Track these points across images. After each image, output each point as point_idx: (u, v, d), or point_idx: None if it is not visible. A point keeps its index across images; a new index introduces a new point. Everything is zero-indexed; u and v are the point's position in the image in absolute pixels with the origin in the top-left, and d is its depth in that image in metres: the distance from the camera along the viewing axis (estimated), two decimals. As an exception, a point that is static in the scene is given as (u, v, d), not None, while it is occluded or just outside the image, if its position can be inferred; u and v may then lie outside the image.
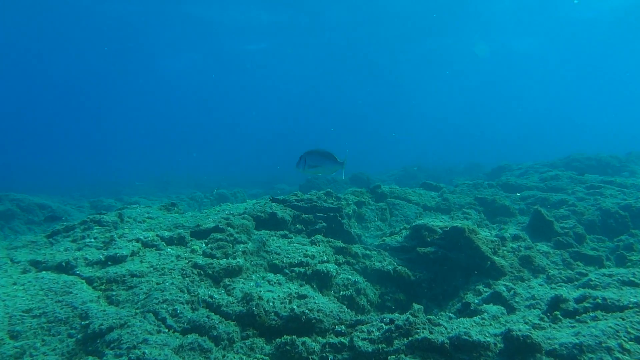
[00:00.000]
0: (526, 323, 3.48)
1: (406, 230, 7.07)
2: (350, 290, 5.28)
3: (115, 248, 4.34)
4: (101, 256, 4.16)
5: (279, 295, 3.95)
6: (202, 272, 4.26)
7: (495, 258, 4.89)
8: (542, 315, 3.59)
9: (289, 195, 8.25)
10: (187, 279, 4.10)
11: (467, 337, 3.03)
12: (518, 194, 10.45)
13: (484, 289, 4.60)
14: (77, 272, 3.91)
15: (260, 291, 4.22)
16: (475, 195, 11.46)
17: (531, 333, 2.97)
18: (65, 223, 5.31)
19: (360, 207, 10.25)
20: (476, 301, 4.38)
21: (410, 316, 3.22)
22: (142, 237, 4.71)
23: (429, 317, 3.44)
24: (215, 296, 3.82)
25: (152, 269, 4.17)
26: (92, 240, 4.58)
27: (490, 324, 3.49)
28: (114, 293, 3.66)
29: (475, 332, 3.20)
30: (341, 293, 5.25)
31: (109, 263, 4.12)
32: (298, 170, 5.77)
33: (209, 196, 22.32)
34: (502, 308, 3.91)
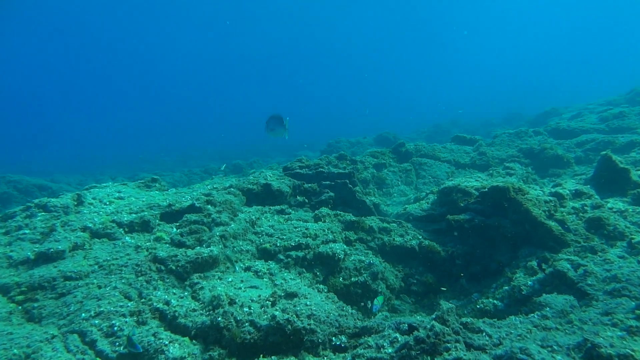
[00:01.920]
0: (615, 325, 2.45)
1: (433, 194, 6.00)
2: (365, 275, 4.36)
3: (51, 241, 3.56)
4: (30, 253, 3.39)
5: (259, 296, 3.07)
6: (163, 267, 3.44)
7: (552, 223, 3.80)
8: (637, 311, 2.55)
9: (291, 162, 7.28)
10: (141, 278, 3.28)
11: (524, 358, 2.06)
12: (573, 140, 9.02)
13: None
14: (-3, 277, 3.15)
15: (239, 290, 3.36)
16: (519, 145, 10.10)
17: (632, 351, 1.96)
18: (6, 210, 4.60)
19: (380, 170, 9.18)
20: (529, 283, 3.36)
21: (436, 323, 2.27)
22: (91, 225, 3.91)
23: (464, 320, 2.47)
24: (173, 301, 2.99)
25: (96, 267, 3.38)
26: (28, 231, 3.83)
27: (557, 327, 2.48)
28: (36, 305, 2.89)
29: (536, 347, 2.22)
30: (352, 279, 4.34)
31: (40, 262, 3.34)
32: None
33: (224, 169, 21.76)
34: (571, 298, 2.87)
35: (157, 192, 6.04)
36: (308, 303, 2.89)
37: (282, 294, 3.09)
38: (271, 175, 5.95)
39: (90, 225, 3.89)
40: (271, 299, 3.02)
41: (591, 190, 4.45)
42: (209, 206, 4.63)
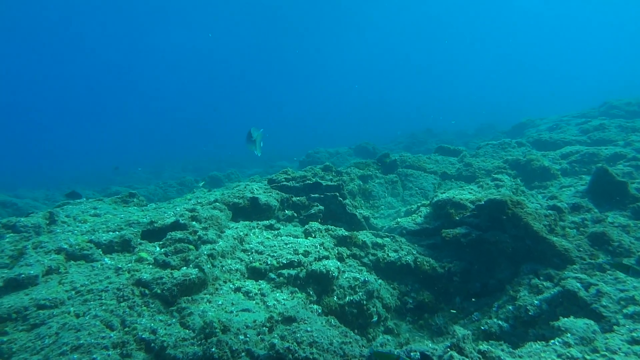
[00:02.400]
0: None
1: (425, 207, 5.96)
2: (360, 293, 4.23)
3: (22, 265, 3.27)
4: (-2, 280, 3.10)
5: (254, 321, 2.89)
6: (147, 291, 3.20)
7: (554, 238, 3.78)
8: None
9: (277, 174, 7.12)
10: (123, 304, 3.04)
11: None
12: (557, 152, 9.23)
13: (544, 283, 3.51)
14: (-40, 307, 2.85)
15: (231, 315, 3.16)
16: (503, 157, 10.28)
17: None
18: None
19: (366, 181, 9.13)
20: (536, 302, 3.30)
21: (454, 353, 2.15)
22: (66, 246, 3.64)
23: (481, 347, 2.37)
24: (160, 330, 2.77)
25: (73, 292, 3.12)
26: (-4, 255, 3.51)
27: (585, 358, 2.41)
28: (5, 339, 2.61)
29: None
30: (347, 299, 4.20)
31: (9, 289, 3.06)
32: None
33: (202, 185, 21.31)
34: (592, 322, 2.79)
35: (135, 207, 5.77)
36: (309, 329, 2.73)
37: (280, 319, 2.91)
38: (257, 188, 5.78)
39: (65, 246, 3.62)
40: (268, 324, 2.84)
41: (589, 203, 4.49)
42: (194, 222, 4.42)
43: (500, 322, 3.39)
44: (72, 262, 3.55)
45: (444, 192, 5.64)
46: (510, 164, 8.86)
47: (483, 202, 4.61)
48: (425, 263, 4.63)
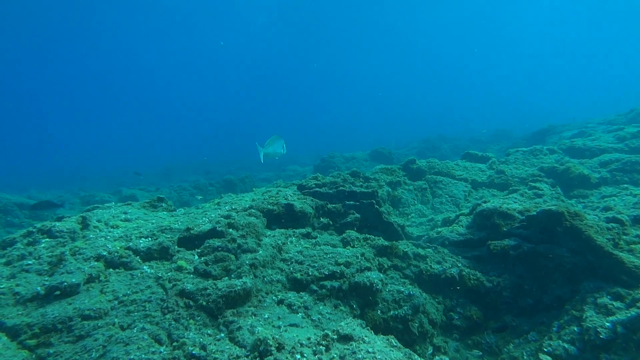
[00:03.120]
0: None
1: (465, 217, 5.77)
2: (405, 307, 4.07)
3: (63, 273, 3.20)
4: (39, 288, 3.03)
5: (309, 338, 2.75)
6: (192, 302, 3.10)
7: (622, 254, 3.57)
8: None
9: (307, 179, 7.01)
10: (169, 316, 2.94)
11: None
12: (595, 160, 8.94)
13: (614, 303, 3.30)
14: None
15: (280, 330, 3.03)
16: (535, 164, 10.02)
17: None
18: (8, 234, 4.21)
19: (395, 188, 8.96)
20: (607, 325, 3.10)
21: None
22: (105, 253, 3.56)
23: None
24: (211, 346, 2.65)
25: (116, 302, 3.02)
26: (34, 261, 3.45)
27: None
28: (51, 351, 2.52)
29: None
30: (391, 313, 4.04)
31: (51, 298, 2.98)
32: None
33: (215, 184, 21.36)
34: None
35: (165, 212, 5.71)
36: (370, 350, 2.59)
37: (335, 337, 2.77)
38: (291, 194, 5.66)
39: (104, 253, 3.54)
40: (324, 342, 2.70)
41: (651, 215, 4.27)
42: (231, 230, 4.31)
43: (565, 344, 3.19)
44: (112, 269, 3.47)
45: (487, 202, 5.44)
46: (545, 171, 8.60)
47: (535, 213, 4.41)
48: (471, 276, 4.44)
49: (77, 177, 36.20)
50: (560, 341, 3.24)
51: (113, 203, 5.84)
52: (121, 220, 5.01)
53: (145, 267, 3.62)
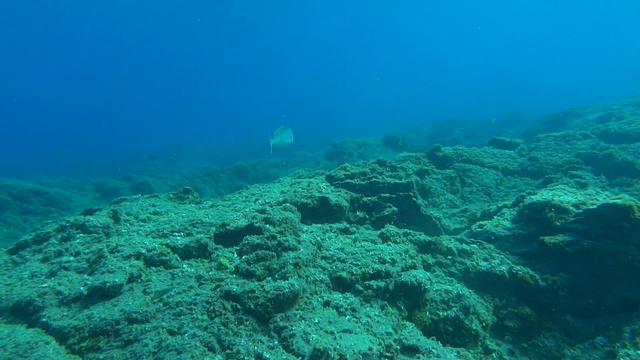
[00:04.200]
0: None
1: (509, 209, 5.55)
2: (454, 308, 3.92)
3: (104, 272, 3.09)
4: (82, 288, 2.92)
5: (370, 349, 2.60)
6: (239, 306, 2.97)
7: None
8: None
9: (335, 170, 6.83)
10: (217, 320, 2.81)
11: None
12: (637, 144, 8.60)
13: (693, 308, 3.10)
14: (44, 319, 2.69)
15: (333, 336, 2.90)
16: (568, 149, 9.68)
17: None
18: (37, 229, 4.13)
19: (423, 177, 8.73)
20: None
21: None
22: (144, 251, 3.44)
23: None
24: (266, 354, 2.53)
25: (161, 304, 2.91)
26: (72, 257, 3.36)
27: None
28: (101, 357, 2.42)
29: None
30: (441, 314, 3.89)
31: (95, 299, 2.87)
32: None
33: (226, 170, 21.31)
34: None
35: (192, 205, 5.59)
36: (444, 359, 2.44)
37: (399, 347, 2.63)
38: (325, 187, 5.50)
39: (143, 251, 3.42)
40: (387, 354, 2.56)
41: None
42: (268, 225, 4.17)
43: (642, 352, 3.01)
44: (152, 268, 3.35)
45: (534, 193, 5.22)
46: (583, 158, 8.30)
47: (595, 207, 4.19)
48: (523, 274, 4.26)
49: (82, 163, 36.54)
50: (634, 349, 3.06)
51: (140, 195, 5.74)
52: (151, 213, 4.90)
53: (185, 265, 3.50)
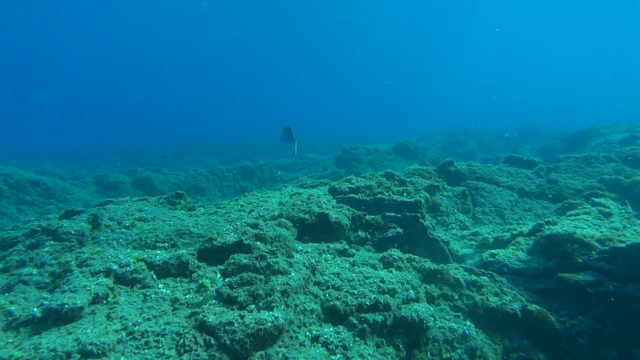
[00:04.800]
0: None
1: (524, 238, 5.15)
2: (459, 350, 3.55)
3: (66, 290, 2.78)
4: (36, 310, 2.62)
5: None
6: (213, 340, 2.64)
7: None
8: None
9: (339, 182, 6.49)
10: (185, 357, 2.49)
11: None
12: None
13: None
14: (-12, 346, 2.38)
15: (320, 382, 2.55)
16: (590, 172, 9.23)
17: None
18: (9, 230, 3.86)
19: (433, 193, 8.35)
20: None
21: None
22: (115, 267, 3.13)
23: None
24: (237, 406, 2.19)
25: (124, 334, 2.59)
26: (35, 270, 3.06)
27: None
28: (43, 402, 2.10)
29: None
30: (444, 356, 3.53)
31: (49, 323, 2.57)
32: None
33: (232, 170, 21.10)
34: None
35: (183, 212, 5.29)
36: None
37: (392, 404, 2.28)
38: (326, 201, 5.16)
39: (114, 267, 3.11)
40: (378, 411, 2.21)
41: None
42: (259, 243, 3.84)
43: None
44: (122, 287, 3.04)
45: (554, 223, 4.83)
46: (607, 184, 7.86)
47: (624, 246, 3.79)
48: (538, 314, 3.87)
49: (92, 152, 36.83)
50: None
51: (128, 198, 5.46)
52: (136, 219, 4.61)
53: (161, 285, 3.19)
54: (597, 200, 6.81)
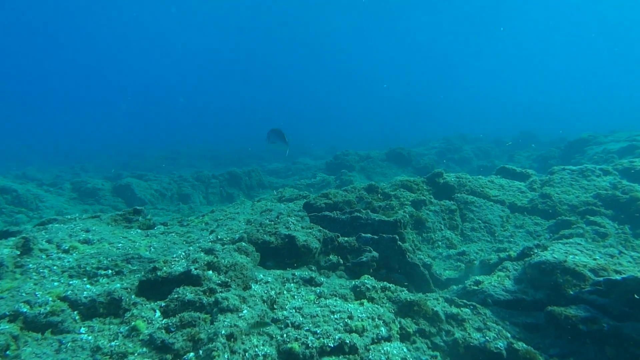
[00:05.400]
0: None
1: (512, 263, 4.79)
2: (435, 399, 3.17)
3: (-41, 341, 2.35)
4: None
5: None
6: (132, 402, 2.23)
7: None
8: None
9: (316, 197, 6.11)
10: None
11: None
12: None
13: None
14: None
15: None
16: (586, 186, 8.92)
17: None
18: None
19: (419, 208, 7.98)
20: None
21: None
22: (25, 309, 2.71)
23: None
24: None
25: (23, 397, 2.17)
26: None
27: None
28: None
29: None
30: (417, 407, 3.14)
31: None
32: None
33: (218, 176, 20.65)
34: None
35: (139, 231, 4.87)
36: None
37: None
38: (295, 222, 4.76)
39: (24, 309, 2.69)
40: None
41: None
42: (211, 273, 3.44)
43: None
44: (32, 334, 2.62)
45: (543, 247, 4.47)
46: (604, 200, 7.54)
47: (620, 278, 3.44)
48: (526, 355, 3.50)
49: (85, 154, 36.39)
50: None
51: (77, 215, 5.04)
52: (80, 241, 4.19)
53: (83, 329, 2.76)
54: (592, 218, 6.50)
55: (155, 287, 3.33)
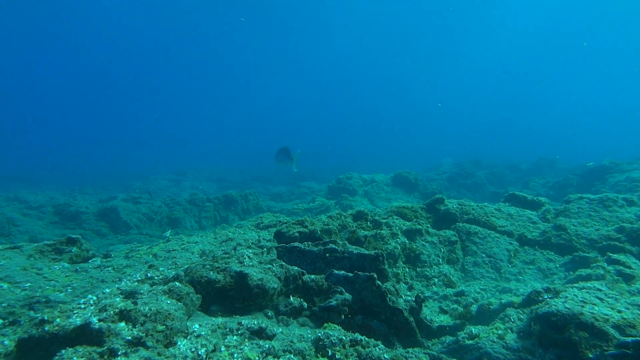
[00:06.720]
0: None
1: (516, 310, 4.05)
2: None
3: None
4: None
5: None
6: None
7: None
8: None
9: (289, 225, 5.44)
10: None
11: None
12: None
13: None
14: None
15: None
16: (608, 218, 8.17)
17: None
18: None
19: (414, 238, 7.26)
20: None
21: None
22: None
23: None
24: None
25: None
26: None
27: None
28: None
29: None
30: None
31: None
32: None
33: (213, 199, 20.10)
34: None
35: (66, 265, 4.21)
36: None
37: None
38: (251, 255, 4.08)
39: None
40: None
41: None
42: (123, 325, 2.75)
43: None
44: None
45: (555, 291, 3.75)
46: (628, 234, 6.78)
47: (654, 343, 2.71)
48: None
49: (87, 176, 36.52)
50: None
51: (-4, 244, 4.41)
52: (-16, 278, 3.53)
53: None
54: (614, 256, 5.74)
55: (40, 347, 2.64)
